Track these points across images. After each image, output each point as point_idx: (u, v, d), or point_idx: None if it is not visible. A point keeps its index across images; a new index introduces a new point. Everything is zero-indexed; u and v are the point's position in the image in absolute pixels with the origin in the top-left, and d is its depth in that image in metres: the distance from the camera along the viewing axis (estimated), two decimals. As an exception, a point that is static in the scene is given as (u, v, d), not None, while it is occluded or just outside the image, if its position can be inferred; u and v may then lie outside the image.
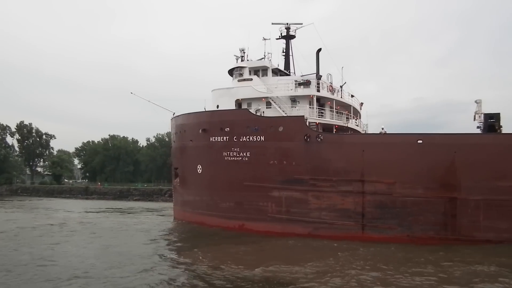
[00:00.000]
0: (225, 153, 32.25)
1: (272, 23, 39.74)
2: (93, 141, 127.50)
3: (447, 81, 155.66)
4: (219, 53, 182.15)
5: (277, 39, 39.64)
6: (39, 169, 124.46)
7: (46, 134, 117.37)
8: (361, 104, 39.83)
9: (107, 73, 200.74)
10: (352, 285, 17.64)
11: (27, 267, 20.34)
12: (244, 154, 31.43)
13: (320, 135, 29.44)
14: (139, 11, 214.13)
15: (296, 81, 34.36)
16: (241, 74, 36.40)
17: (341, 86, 36.65)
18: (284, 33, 39.56)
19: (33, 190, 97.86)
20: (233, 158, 31.91)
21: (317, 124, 32.01)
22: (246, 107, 34.37)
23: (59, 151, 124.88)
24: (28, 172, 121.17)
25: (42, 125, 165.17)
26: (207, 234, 31.27)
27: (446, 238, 26.54)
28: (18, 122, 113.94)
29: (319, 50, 33.95)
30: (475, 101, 30.55)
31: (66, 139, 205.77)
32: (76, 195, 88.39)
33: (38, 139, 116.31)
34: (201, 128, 33.82)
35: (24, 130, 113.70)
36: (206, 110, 36.74)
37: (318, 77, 33.75)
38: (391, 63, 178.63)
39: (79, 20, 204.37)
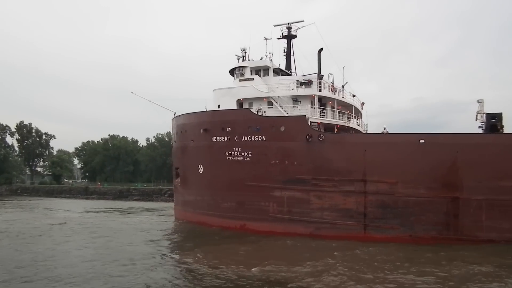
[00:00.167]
0: (226, 153, 32.19)
1: (274, 25, 39.72)
2: (92, 141, 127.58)
3: (447, 81, 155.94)
4: (219, 54, 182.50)
5: (278, 38, 39.60)
6: (39, 169, 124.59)
7: (46, 134, 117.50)
8: (363, 103, 39.82)
9: (107, 73, 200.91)
10: (350, 284, 17.64)
11: (28, 267, 20.29)
12: (246, 154, 31.37)
13: (322, 135, 29.39)
14: (139, 11, 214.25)
15: (297, 80, 34.33)
16: (242, 74, 36.36)
17: (342, 86, 36.60)
18: (286, 33, 39.50)
19: (33, 190, 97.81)
20: (234, 158, 31.85)
21: (318, 124, 31.96)
22: (247, 107, 34.32)
23: (59, 151, 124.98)
24: (28, 172, 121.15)
25: (42, 125, 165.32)
26: (208, 234, 31.24)
27: (449, 238, 26.50)
28: (18, 122, 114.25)
29: (321, 49, 33.90)
30: (477, 101, 30.50)
31: (66, 139, 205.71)
32: (76, 195, 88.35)
33: (38, 139, 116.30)
34: (203, 128, 33.75)
35: (24, 130, 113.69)
36: (207, 110, 36.67)
37: (320, 76, 33.69)
38: (391, 63, 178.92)
39: (79, 20, 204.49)
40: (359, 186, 28.10)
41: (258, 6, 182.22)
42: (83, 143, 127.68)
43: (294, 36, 39.68)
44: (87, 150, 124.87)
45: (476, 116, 30.73)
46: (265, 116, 32.27)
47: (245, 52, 37.26)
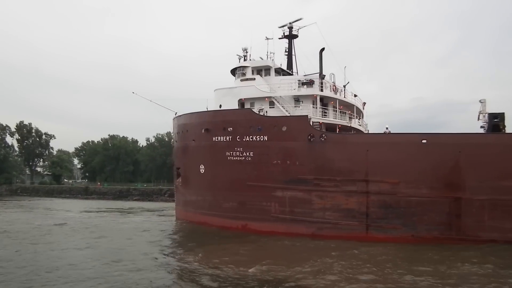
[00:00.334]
0: (228, 153, 32.11)
1: (279, 27, 39.61)
2: (92, 141, 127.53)
3: (447, 81, 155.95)
4: (219, 54, 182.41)
5: (279, 38, 39.50)
6: (38, 169, 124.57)
7: (45, 134, 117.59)
8: (364, 103, 39.78)
9: (106, 73, 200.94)
10: (350, 284, 17.64)
11: (28, 267, 20.22)
12: (247, 154, 31.29)
13: (324, 135, 29.32)
14: (138, 12, 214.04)
15: (299, 80, 34.24)
16: (244, 74, 36.28)
17: (344, 86, 36.57)
18: (287, 33, 39.43)
19: (32, 190, 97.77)
20: (236, 158, 31.77)
21: (320, 124, 31.89)
22: (249, 106, 34.24)
23: (58, 151, 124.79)
24: (27, 172, 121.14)
25: (42, 125, 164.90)
26: (209, 234, 31.18)
27: (451, 238, 26.43)
28: (18, 122, 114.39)
29: (322, 49, 33.79)
30: (480, 101, 30.45)
31: (65, 139, 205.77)
32: (75, 195, 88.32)
33: (37, 139, 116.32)
34: (204, 127, 33.66)
35: (23, 130, 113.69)
36: (209, 110, 36.59)
37: (322, 76, 33.61)
38: (391, 63, 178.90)
39: (79, 20, 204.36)
40: (361, 186, 28.01)
41: (259, 7, 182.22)
42: (83, 143, 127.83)
43: (296, 36, 39.60)
44: (87, 150, 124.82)
45: (478, 116, 30.69)
46: (266, 116, 32.18)
47: (247, 52, 37.18)
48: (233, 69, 37.88)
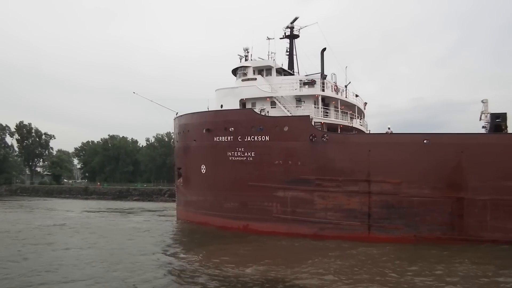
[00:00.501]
0: (229, 153, 32.05)
1: (284, 28, 39.45)
2: (92, 141, 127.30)
3: (447, 81, 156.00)
4: (219, 54, 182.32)
5: (281, 38, 39.44)
6: (38, 169, 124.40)
7: (45, 134, 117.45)
8: (365, 103, 39.76)
9: (106, 73, 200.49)
10: (349, 284, 17.60)
11: (30, 268, 20.16)
12: (249, 154, 31.23)
13: (325, 135, 29.28)
14: (139, 12, 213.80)
15: (301, 80, 34.21)
16: (245, 74, 36.21)
17: (345, 86, 36.56)
18: (288, 33, 39.39)
19: (32, 190, 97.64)
20: (237, 158, 31.70)
21: (322, 124, 31.86)
22: (250, 106, 34.20)
23: (58, 151, 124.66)
24: (27, 172, 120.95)
25: (42, 125, 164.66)
26: (210, 234, 31.12)
27: (453, 238, 26.39)
28: (18, 122, 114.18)
29: (324, 49, 33.73)
30: (482, 101, 30.43)
31: (65, 139, 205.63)
32: (75, 195, 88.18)
33: (37, 139, 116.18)
34: (205, 128, 33.58)
35: (23, 130, 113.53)
36: (210, 110, 36.52)
37: (323, 76, 33.58)
38: (391, 63, 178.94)
39: (79, 20, 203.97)
40: (363, 186, 27.97)
41: (259, 8, 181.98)
42: (82, 143, 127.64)
43: (297, 36, 39.58)
44: (87, 150, 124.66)
45: (480, 116, 30.70)
46: (268, 116, 32.11)
47: (248, 52, 37.07)
48: (234, 69, 37.82)
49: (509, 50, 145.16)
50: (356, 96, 37.54)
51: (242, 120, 31.86)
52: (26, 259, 22.14)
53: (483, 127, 30.84)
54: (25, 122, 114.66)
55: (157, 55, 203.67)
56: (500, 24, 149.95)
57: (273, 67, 35.80)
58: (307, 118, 30.23)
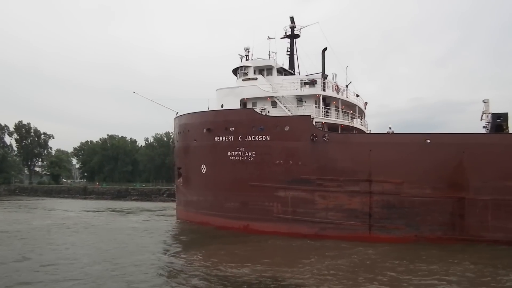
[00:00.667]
0: (230, 153, 31.96)
1: (285, 28, 39.43)
2: (91, 141, 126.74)
3: (446, 81, 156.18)
4: (220, 55, 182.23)
5: (281, 38, 39.44)
6: (37, 169, 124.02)
7: (44, 133, 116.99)
8: (366, 103, 39.71)
9: (106, 73, 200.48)
10: (348, 285, 17.58)
11: (28, 268, 20.11)
12: (250, 154, 31.15)
13: (326, 135, 29.22)
14: (138, 13, 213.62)
15: (301, 80, 34.16)
16: (245, 74, 36.13)
17: (346, 86, 36.52)
18: (289, 32, 39.33)
19: (31, 190, 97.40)
20: (238, 158, 31.62)
21: (323, 124, 31.80)
22: (251, 106, 34.13)
23: (57, 150, 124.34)
24: (26, 172, 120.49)
25: (41, 125, 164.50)
26: (210, 234, 31.04)
27: (454, 238, 26.37)
28: (17, 122, 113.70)
29: (325, 49, 33.69)
30: (483, 101, 30.42)
31: (64, 138, 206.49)
32: (74, 195, 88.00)
33: (36, 139, 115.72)
34: (206, 127, 33.48)
35: (22, 129, 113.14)
36: (210, 109, 36.42)
37: (324, 76, 33.53)
38: (391, 63, 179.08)
39: (79, 20, 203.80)
40: (364, 186, 27.93)
41: (258, 8, 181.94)
42: (81, 143, 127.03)
43: (298, 36, 39.55)
44: (86, 150, 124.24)
45: (482, 116, 30.69)
46: (269, 115, 32.05)
47: (249, 52, 37.00)
48: (235, 68, 37.74)
49: (509, 50, 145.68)
50: (357, 96, 37.50)
51: (243, 120, 31.78)
52: (25, 259, 22.09)
53: (484, 127, 30.82)
54: (24, 122, 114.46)
55: (157, 55, 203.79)
56: (500, 24, 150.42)
57: (274, 66, 35.74)
58: (308, 118, 30.16)
